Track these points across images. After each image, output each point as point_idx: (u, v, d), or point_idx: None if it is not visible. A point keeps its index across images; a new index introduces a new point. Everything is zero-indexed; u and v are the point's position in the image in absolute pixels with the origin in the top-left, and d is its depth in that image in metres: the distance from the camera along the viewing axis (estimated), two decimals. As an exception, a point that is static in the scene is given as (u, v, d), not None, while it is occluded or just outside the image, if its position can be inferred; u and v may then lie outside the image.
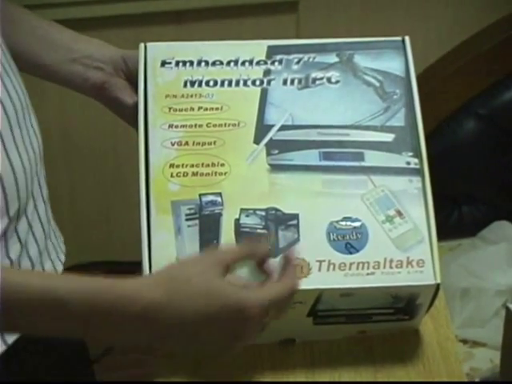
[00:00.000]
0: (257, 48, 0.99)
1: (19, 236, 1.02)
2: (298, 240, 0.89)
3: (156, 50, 1.00)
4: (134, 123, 0.98)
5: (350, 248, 0.89)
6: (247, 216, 0.91)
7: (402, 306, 0.91)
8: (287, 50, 1.00)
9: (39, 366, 1.17)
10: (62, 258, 1.16)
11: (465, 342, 1.70)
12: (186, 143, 0.94)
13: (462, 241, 1.95)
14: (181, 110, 0.96)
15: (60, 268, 1.14)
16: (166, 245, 0.90)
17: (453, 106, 2.02)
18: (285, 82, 0.98)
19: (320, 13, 2.06)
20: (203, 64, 0.99)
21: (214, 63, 0.99)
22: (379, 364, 0.93)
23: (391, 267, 0.88)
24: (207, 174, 0.92)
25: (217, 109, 0.96)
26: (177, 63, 0.99)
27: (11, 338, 1.05)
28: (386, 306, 0.91)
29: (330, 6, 2.08)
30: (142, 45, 1.00)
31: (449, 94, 2.04)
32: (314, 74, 0.98)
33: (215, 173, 0.92)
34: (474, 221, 2.02)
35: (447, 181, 1.98)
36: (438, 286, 0.89)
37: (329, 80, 0.98)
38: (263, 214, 0.90)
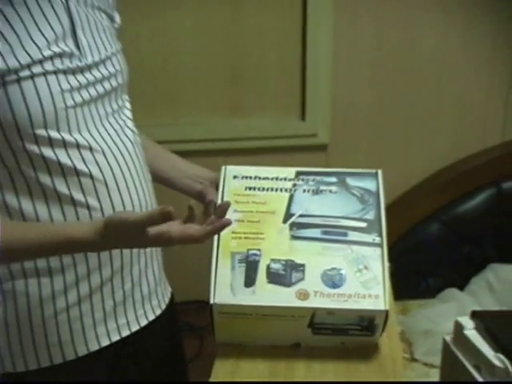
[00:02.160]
0: (289, 171, 1.03)
1: (132, 276, 1.03)
2: (303, 279, 0.90)
3: (231, 170, 1.03)
4: None
5: (334, 285, 0.90)
6: (274, 263, 0.92)
7: (366, 325, 0.91)
8: (307, 173, 1.03)
9: (138, 368, 1.14)
10: (167, 299, 1.15)
11: (426, 364, 1.67)
12: (243, 221, 0.97)
13: (426, 300, 1.93)
14: (242, 203, 0.99)
15: (163, 306, 1.13)
16: (226, 277, 0.91)
17: (424, 213, 2.03)
18: (304, 191, 1.00)
19: (344, 153, 2.06)
20: (257, 179, 1.02)
21: (264, 178, 1.02)
22: (353, 359, 0.92)
23: (358, 298, 0.89)
24: (253, 238, 0.95)
25: (262, 203, 0.99)
26: (242, 177, 1.02)
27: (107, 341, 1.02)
28: (356, 324, 0.91)
29: (353, 149, 2.06)
30: (223, 166, 1.04)
31: (422, 206, 2.04)
32: (321, 188, 1.01)
33: (258, 238, 0.94)
34: (435, 288, 1.99)
35: (418, 263, 2.01)
36: (387, 312, 0.89)
37: (330, 191, 1.00)
38: (284, 262, 0.92)
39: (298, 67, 1.96)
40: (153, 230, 0.81)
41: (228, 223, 0.83)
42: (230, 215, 0.94)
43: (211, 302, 0.89)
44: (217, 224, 0.83)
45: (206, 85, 1.98)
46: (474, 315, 0.94)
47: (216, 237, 0.95)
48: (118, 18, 1.08)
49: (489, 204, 1.99)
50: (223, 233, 0.94)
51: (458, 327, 0.94)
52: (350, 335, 0.93)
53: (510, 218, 2.00)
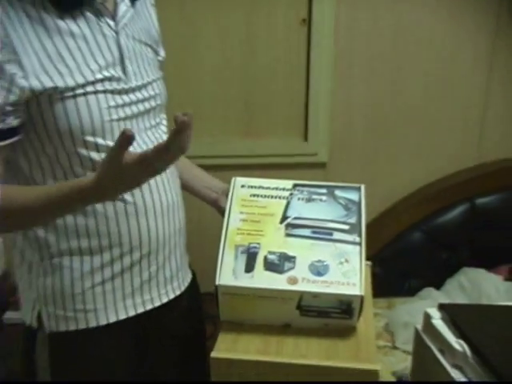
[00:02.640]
0: (288, 183, 1.05)
1: (158, 261, 1.05)
2: (294, 268, 0.92)
3: (239, 180, 1.06)
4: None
5: (319, 273, 0.92)
6: (271, 255, 0.94)
7: (345, 308, 0.92)
8: (302, 185, 1.05)
9: (160, 345, 1.14)
10: (186, 283, 1.16)
11: (405, 351, 1.68)
12: (246, 220, 0.99)
13: (408, 298, 1.95)
14: (246, 206, 1.01)
15: (183, 288, 1.14)
16: (230, 264, 0.94)
17: (408, 223, 2.04)
18: (298, 199, 1.03)
19: (340, 171, 2.08)
20: (261, 188, 1.05)
21: (266, 188, 1.05)
22: (334, 339, 0.93)
23: (339, 284, 0.91)
24: (254, 235, 0.97)
25: (263, 207, 1.01)
26: (248, 186, 1.05)
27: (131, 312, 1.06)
28: (337, 307, 0.92)
29: (348, 167, 2.08)
30: (233, 178, 1.06)
31: (407, 217, 2.05)
32: (313, 197, 1.03)
33: (258, 234, 0.97)
34: (416, 287, 2.01)
35: (403, 266, 2.03)
36: (362, 297, 0.90)
37: (320, 200, 1.03)
38: (279, 254, 0.94)
39: (302, 96, 2.01)
40: (127, 157, 0.78)
41: (187, 120, 0.75)
42: (237, 216, 1.00)
43: (216, 283, 0.92)
44: (179, 126, 0.77)
45: (224, 110, 2.03)
46: (441, 307, 0.97)
47: (224, 233, 0.98)
48: (162, 52, 1.14)
49: (464, 217, 2.02)
50: (230, 229, 0.98)
51: (427, 317, 0.96)
52: (332, 318, 0.94)
53: (482, 229, 2.04)
